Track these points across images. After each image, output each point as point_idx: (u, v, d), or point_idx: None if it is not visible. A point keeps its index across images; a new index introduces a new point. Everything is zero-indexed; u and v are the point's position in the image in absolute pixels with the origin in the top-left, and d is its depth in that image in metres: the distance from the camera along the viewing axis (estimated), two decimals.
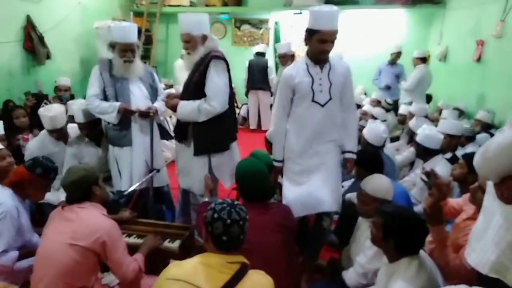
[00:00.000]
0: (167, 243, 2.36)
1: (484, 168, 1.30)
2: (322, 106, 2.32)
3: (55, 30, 5.59)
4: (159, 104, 2.94)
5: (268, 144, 3.14)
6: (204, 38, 2.47)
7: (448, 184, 1.80)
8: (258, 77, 6.54)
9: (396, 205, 1.86)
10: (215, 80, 2.42)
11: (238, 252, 1.43)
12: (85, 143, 3.05)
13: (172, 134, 3.57)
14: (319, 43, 2.23)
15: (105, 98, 2.79)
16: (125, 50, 2.72)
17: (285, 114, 2.43)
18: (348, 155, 2.47)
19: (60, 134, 3.09)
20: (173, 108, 2.59)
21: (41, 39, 5.25)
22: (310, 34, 2.25)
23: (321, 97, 2.31)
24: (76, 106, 3.03)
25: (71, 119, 3.34)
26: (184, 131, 2.64)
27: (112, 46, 2.75)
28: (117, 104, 2.71)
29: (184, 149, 2.71)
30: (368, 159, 2.70)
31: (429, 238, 1.72)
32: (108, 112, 2.72)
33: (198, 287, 1.31)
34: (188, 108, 2.49)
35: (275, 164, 2.48)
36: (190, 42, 2.48)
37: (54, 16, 5.64)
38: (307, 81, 2.29)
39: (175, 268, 1.40)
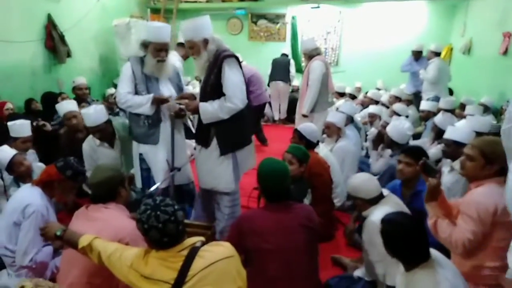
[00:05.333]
0: None
1: None
2: None
3: (75, 28, 5.65)
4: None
5: (297, 136, 3.12)
6: (206, 41, 2.48)
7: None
8: (280, 71, 6.96)
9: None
10: (231, 78, 2.43)
11: (184, 239, 1.49)
12: (97, 145, 3.09)
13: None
14: None
15: (137, 94, 2.80)
16: (159, 50, 2.71)
17: None
18: None
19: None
20: (194, 111, 2.62)
21: (61, 37, 5.31)
22: None
23: None
24: (86, 110, 3.06)
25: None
26: (207, 135, 2.64)
27: (145, 45, 2.74)
28: (151, 95, 2.73)
29: (204, 151, 2.70)
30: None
31: (429, 218, 1.94)
32: (143, 104, 2.73)
33: (157, 280, 1.42)
34: (210, 109, 2.51)
35: None
36: (193, 48, 2.51)
37: (74, 14, 5.70)
38: None
39: (137, 264, 1.49)
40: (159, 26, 2.77)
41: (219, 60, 2.45)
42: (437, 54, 5.44)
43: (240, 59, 2.65)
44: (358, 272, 2.40)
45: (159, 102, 2.73)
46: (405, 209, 2.18)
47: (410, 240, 1.55)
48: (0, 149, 2.84)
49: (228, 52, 2.47)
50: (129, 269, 1.51)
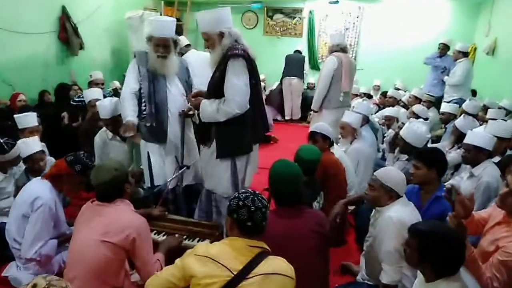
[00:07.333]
0: (195, 242, 2.32)
1: None
2: None
3: (89, 20, 5.66)
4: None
5: (312, 139, 3.06)
6: (221, 35, 2.38)
7: (471, 199, 1.82)
8: (294, 68, 6.96)
9: (430, 222, 1.73)
10: (232, 81, 2.34)
11: (261, 239, 1.54)
12: (109, 138, 3.09)
13: None
14: None
15: (140, 93, 2.78)
16: (158, 45, 2.67)
17: None
18: None
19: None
20: (197, 107, 2.57)
21: (75, 29, 5.32)
22: None
23: None
24: (101, 102, 3.11)
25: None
26: (207, 133, 2.60)
27: (149, 39, 2.71)
28: (127, 118, 2.71)
29: (206, 151, 2.67)
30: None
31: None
32: (123, 117, 2.76)
33: (222, 265, 1.45)
34: (209, 108, 2.46)
35: None
36: (209, 41, 2.45)
37: (88, 6, 5.70)
38: None
39: (204, 247, 1.54)
40: (160, 20, 2.73)
41: (226, 58, 2.37)
42: (465, 54, 5.26)
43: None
44: (360, 276, 2.38)
45: (124, 130, 2.68)
46: (415, 210, 2.14)
47: (451, 253, 1.50)
48: (25, 141, 2.88)
49: (238, 51, 2.36)
50: (188, 256, 1.53)
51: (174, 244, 2.20)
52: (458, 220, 1.73)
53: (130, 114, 2.71)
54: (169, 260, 2.00)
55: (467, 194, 2.35)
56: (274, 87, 7.41)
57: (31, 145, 2.84)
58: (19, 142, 2.81)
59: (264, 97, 3.08)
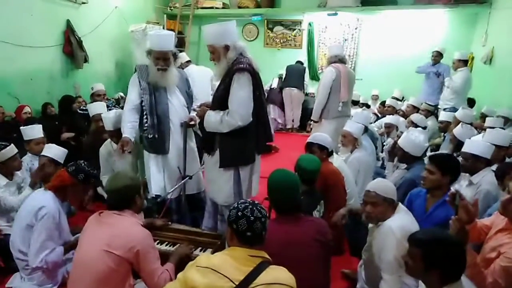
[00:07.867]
0: (198, 252, 2.34)
1: None
2: None
3: (93, 34, 5.75)
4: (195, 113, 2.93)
5: (309, 149, 3.08)
6: (227, 48, 2.43)
7: (475, 205, 1.79)
8: (294, 78, 7.02)
9: (428, 230, 1.72)
10: (236, 94, 2.40)
11: (262, 249, 1.54)
12: (114, 150, 3.11)
13: None
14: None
15: (141, 106, 2.82)
16: (157, 58, 2.73)
17: None
18: None
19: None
20: (202, 117, 2.62)
21: (79, 43, 5.40)
22: None
23: None
24: (106, 114, 3.14)
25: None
26: (211, 143, 2.64)
27: (149, 52, 2.77)
28: (124, 135, 2.76)
29: (210, 160, 2.70)
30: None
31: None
32: (123, 132, 2.81)
33: (223, 275, 1.44)
34: (213, 119, 2.51)
35: None
36: (214, 53, 2.49)
37: (92, 20, 5.79)
38: None
39: (204, 259, 1.53)
40: (159, 34, 2.78)
41: (231, 72, 2.42)
42: (465, 62, 5.29)
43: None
44: (359, 286, 2.38)
45: (122, 145, 2.73)
46: (414, 220, 2.14)
47: (456, 257, 1.47)
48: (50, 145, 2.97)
49: (243, 65, 2.41)
50: (189, 268, 1.52)
51: (185, 252, 2.21)
52: (460, 224, 1.71)
53: (126, 132, 2.76)
54: (179, 269, 2.04)
55: (469, 201, 2.40)
56: (275, 85, 7.35)
57: (48, 148, 2.92)
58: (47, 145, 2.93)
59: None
